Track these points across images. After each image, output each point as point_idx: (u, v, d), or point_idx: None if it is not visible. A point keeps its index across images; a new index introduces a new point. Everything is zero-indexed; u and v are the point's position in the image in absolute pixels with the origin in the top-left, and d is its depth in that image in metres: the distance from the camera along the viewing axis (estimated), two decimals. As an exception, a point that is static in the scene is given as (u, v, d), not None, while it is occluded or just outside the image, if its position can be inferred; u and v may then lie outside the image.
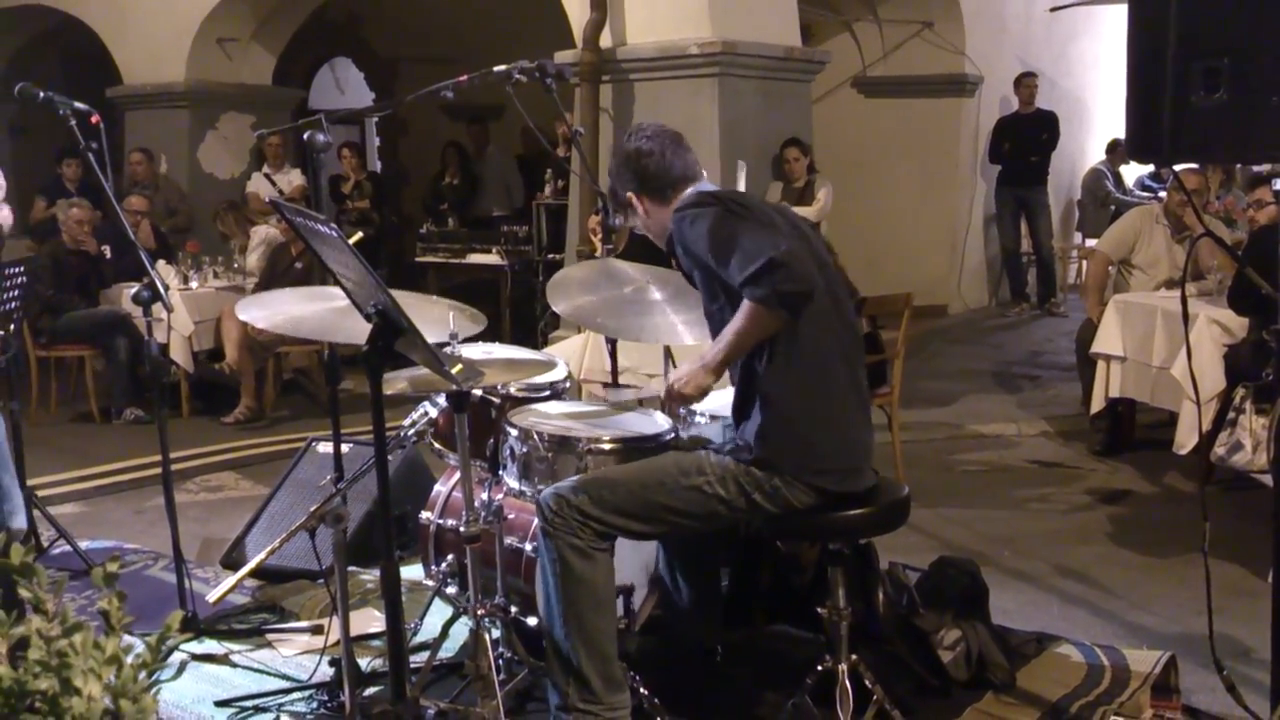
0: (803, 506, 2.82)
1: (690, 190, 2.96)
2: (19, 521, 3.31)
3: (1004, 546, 4.68)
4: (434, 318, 3.10)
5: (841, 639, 2.91)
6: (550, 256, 8.40)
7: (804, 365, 2.78)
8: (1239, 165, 7.75)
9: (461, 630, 3.49)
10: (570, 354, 5.19)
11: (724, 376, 2.93)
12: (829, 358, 2.84)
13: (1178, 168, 6.55)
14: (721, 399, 3.12)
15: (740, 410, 2.87)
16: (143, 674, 1.08)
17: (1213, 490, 5.08)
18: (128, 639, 1.16)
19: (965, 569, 3.54)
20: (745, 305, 2.71)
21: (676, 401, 2.96)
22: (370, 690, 3.33)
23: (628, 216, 3.07)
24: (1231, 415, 4.59)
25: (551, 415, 3.23)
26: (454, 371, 2.45)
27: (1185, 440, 5.15)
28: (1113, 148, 11.07)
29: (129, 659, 1.10)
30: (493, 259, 8.88)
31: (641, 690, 2.99)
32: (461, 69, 3.80)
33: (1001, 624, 3.57)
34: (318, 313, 3.13)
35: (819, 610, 2.96)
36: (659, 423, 3.19)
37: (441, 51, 11.09)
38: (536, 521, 3.28)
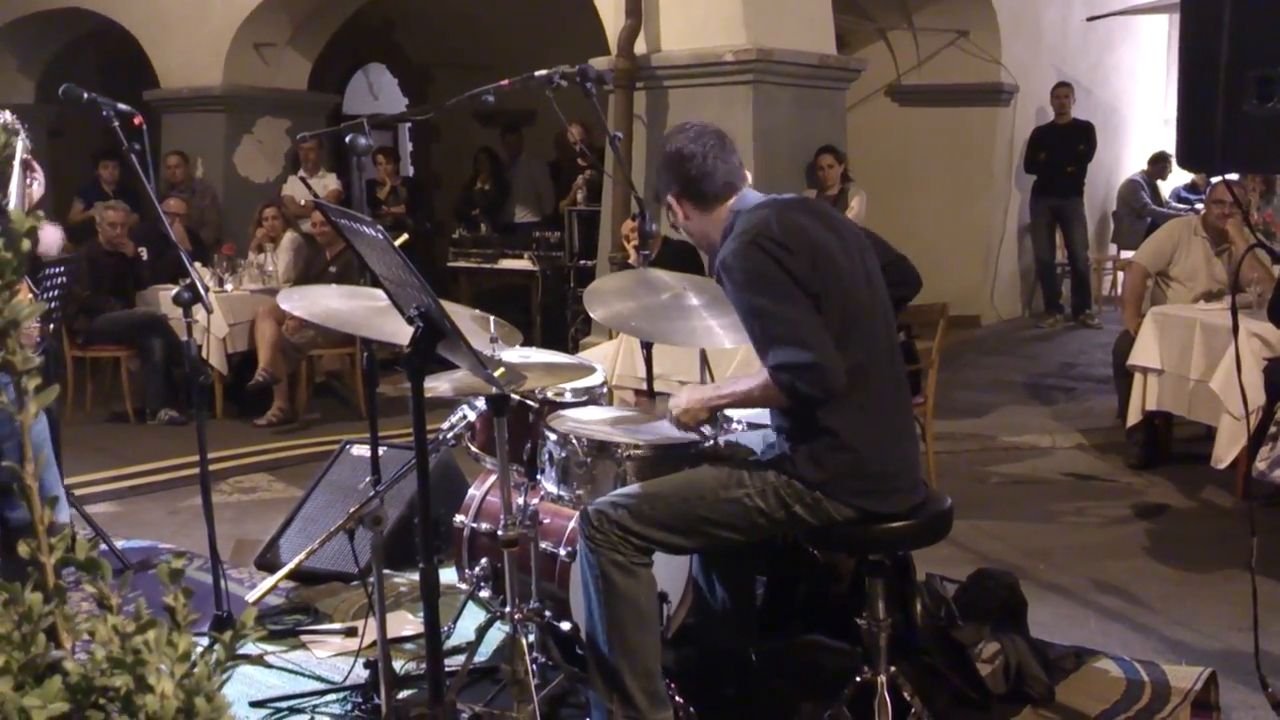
0: (843, 520, 2.79)
1: (733, 206, 2.87)
2: (62, 516, 3.35)
3: (1040, 560, 4.63)
4: (473, 325, 3.11)
5: (880, 650, 2.89)
6: (582, 262, 8.39)
7: (856, 388, 2.71)
8: (1279, 177, 7.66)
9: (496, 634, 3.49)
10: (602, 360, 5.18)
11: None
12: (880, 378, 2.80)
13: (1215, 180, 6.49)
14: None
15: (787, 423, 2.81)
16: (216, 671, 1.08)
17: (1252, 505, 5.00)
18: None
19: (1004, 581, 3.52)
20: (766, 378, 2.68)
21: (677, 426, 2.92)
22: (404, 693, 3.33)
23: (669, 216, 3.00)
24: (1273, 430, 4.52)
25: (590, 420, 3.23)
26: (496, 375, 2.44)
27: (1224, 454, 5.08)
28: (1156, 159, 10.91)
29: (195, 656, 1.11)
30: (524, 265, 8.88)
31: (678, 699, 2.98)
32: (494, 75, 3.78)
33: (1039, 637, 3.53)
34: (355, 308, 3.14)
35: (857, 620, 2.94)
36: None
37: (474, 58, 11.14)
38: (572, 526, 3.29)
